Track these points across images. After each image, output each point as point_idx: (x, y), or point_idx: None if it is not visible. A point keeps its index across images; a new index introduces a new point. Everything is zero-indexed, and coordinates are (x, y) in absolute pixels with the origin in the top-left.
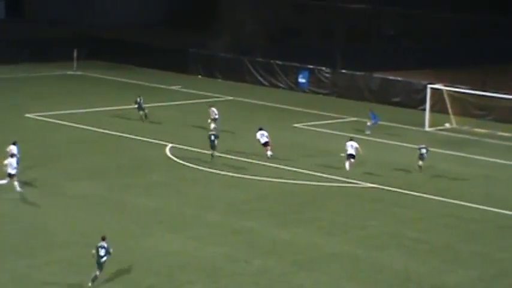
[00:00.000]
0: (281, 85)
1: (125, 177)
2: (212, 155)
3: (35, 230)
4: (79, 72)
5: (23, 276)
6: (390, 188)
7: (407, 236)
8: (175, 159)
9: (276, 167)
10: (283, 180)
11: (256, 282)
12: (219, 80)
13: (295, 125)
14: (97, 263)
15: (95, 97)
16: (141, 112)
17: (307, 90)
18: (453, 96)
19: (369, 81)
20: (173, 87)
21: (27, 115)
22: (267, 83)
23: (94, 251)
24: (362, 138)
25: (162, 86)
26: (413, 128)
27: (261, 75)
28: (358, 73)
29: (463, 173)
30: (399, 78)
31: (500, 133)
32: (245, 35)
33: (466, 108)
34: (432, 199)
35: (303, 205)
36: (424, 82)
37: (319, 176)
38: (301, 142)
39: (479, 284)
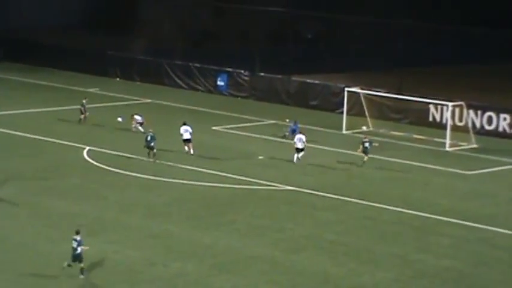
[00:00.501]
0: (200, 88)
1: (41, 180)
2: (152, 155)
3: None
4: None
5: None
6: (308, 191)
7: (325, 238)
8: (93, 162)
9: (196, 170)
10: (202, 183)
11: (175, 286)
12: (137, 83)
13: (214, 127)
14: (73, 256)
15: (10, 100)
16: (81, 115)
17: (226, 93)
18: (370, 99)
19: (287, 84)
20: (91, 90)
21: None
22: (185, 86)
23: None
24: (280, 142)
25: (80, 89)
26: (331, 131)
27: (180, 78)
28: (276, 76)
29: (380, 176)
30: (317, 82)
31: (415, 136)
32: (163, 38)
33: (383, 111)
34: (350, 201)
35: (222, 208)
36: (342, 85)
37: (238, 179)
38: (220, 145)
39: (396, 285)
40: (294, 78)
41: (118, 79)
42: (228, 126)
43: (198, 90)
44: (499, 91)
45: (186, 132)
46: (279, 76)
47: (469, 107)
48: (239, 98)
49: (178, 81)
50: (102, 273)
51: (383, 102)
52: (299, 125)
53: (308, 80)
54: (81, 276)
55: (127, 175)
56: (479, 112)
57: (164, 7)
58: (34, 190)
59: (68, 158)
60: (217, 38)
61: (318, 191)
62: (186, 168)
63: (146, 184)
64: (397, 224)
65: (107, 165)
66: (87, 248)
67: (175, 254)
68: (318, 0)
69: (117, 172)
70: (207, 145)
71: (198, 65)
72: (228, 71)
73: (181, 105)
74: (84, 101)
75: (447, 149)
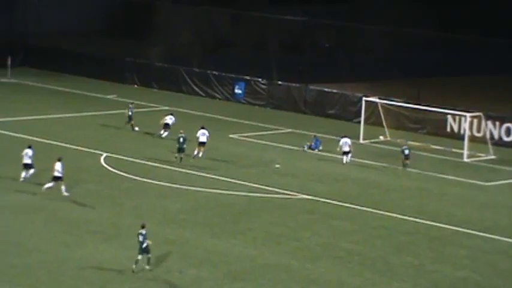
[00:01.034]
0: (217, 95)
1: (58, 186)
2: (180, 157)
3: None
4: (13, 80)
5: None
6: (325, 200)
7: (340, 247)
8: (110, 168)
9: (212, 178)
10: (218, 191)
11: None
12: (155, 90)
13: (231, 135)
14: (140, 249)
15: (29, 105)
16: (131, 121)
17: (243, 101)
18: (388, 109)
19: (304, 93)
20: (109, 97)
21: None
22: (203, 93)
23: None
24: (297, 150)
25: (98, 95)
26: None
27: (197, 86)
28: (294, 85)
29: (397, 186)
30: (335, 91)
31: (433, 146)
32: (181, 45)
33: (400, 121)
34: (366, 211)
35: (238, 216)
36: (359, 95)
37: (255, 187)
38: (237, 153)
39: None
40: (312, 87)
41: (136, 86)
42: (245, 134)
43: (215, 97)
44: None
45: (203, 135)
46: (297, 85)
47: (487, 117)
48: (256, 106)
49: (196, 88)
50: (117, 280)
51: (401, 112)
52: (319, 140)
53: (326, 89)
54: (147, 267)
55: (143, 182)
56: (497, 123)
57: (182, 15)
58: (51, 196)
59: (85, 164)
60: (235, 45)
61: (334, 200)
62: (202, 176)
63: (162, 191)
64: (414, 234)
65: (123, 172)
66: (150, 242)
67: (191, 261)
68: (336, 9)
69: (134, 179)
70: (223, 153)
71: (215, 72)
72: (246, 79)
73: (199, 113)
74: (131, 106)
75: (465, 159)
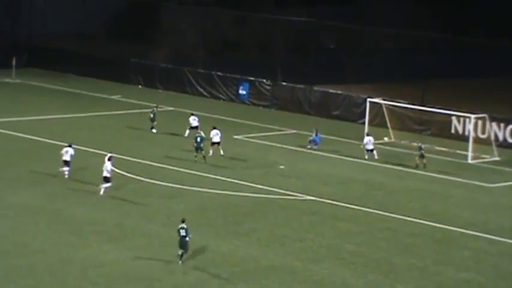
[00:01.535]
0: (221, 96)
1: (63, 186)
2: (204, 157)
3: None
4: (18, 81)
5: None
6: (329, 201)
7: (344, 249)
8: (115, 169)
9: (216, 179)
10: (222, 192)
11: None
12: (160, 91)
13: (236, 136)
14: (180, 243)
15: (34, 105)
16: (154, 123)
17: (248, 102)
18: (392, 110)
19: (308, 94)
20: (113, 97)
21: None
22: (207, 94)
23: (176, 234)
24: (301, 151)
25: (103, 96)
26: (352, 141)
27: (202, 87)
28: (298, 86)
29: (401, 187)
30: (339, 92)
31: (437, 148)
32: (186, 46)
33: (405, 122)
34: (370, 212)
35: (242, 217)
36: (364, 96)
37: (259, 188)
38: (241, 154)
39: None
40: (316, 88)
41: (140, 87)
42: (250, 135)
43: (219, 98)
44: None
45: (216, 135)
46: (301, 86)
47: (492, 119)
48: (260, 107)
49: (200, 89)
50: (121, 280)
51: (405, 113)
52: (320, 135)
53: (330, 90)
54: (180, 263)
55: (148, 182)
56: (502, 125)
57: (187, 16)
58: (56, 196)
59: (90, 164)
60: (239, 47)
61: (338, 201)
62: (206, 177)
63: (167, 192)
64: (418, 236)
65: (128, 173)
66: (191, 236)
67: (195, 262)
68: (341, 10)
69: (138, 179)
70: (228, 154)
71: (220, 73)
72: (250, 80)
73: (203, 114)
74: (155, 109)
75: (469, 161)
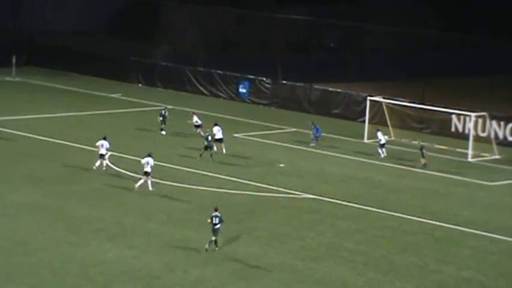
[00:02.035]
0: (222, 95)
1: (63, 185)
2: (211, 155)
3: None
4: (18, 79)
5: None
6: (329, 200)
7: (345, 247)
8: (115, 167)
9: (216, 177)
10: (223, 190)
11: None
12: (160, 89)
13: (236, 135)
14: (212, 230)
15: (34, 104)
16: (162, 125)
17: (248, 101)
18: (392, 108)
19: (308, 92)
20: (113, 95)
21: None
22: (207, 93)
23: (209, 220)
24: (301, 149)
25: (103, 94)
26: (353, 139)
27: (202, 85)
28: (298, 84)
29: (401, 185)
30: (339, 90)
31: (437, 146)
32: (186, 45)
33: (405, 120)
34: (370, 211)
35: (243, 215)
36: (364, 94)
37: (259, 187)
38: (241, 152)
39: None
40: (316, 86)
41: (140, 85)
42: (250, 134)
43: (219, 97)
44: None
45: (218, 132)
46: (301, 84)
47: (492, 117)
48: (261, 106)
49: (200, 87)
50: (121, 279)
51: (405, 111)
52: (318, 127)
53: (330, 89)
54: (215, 248)
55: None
56: (502, 123)
57: (187, 14)
58: (56, 194)
59: (90, 163)
60: (240, 45)
61: (338, 199)
62: (207, 175)
63: (167, 190)
64: (418, 234)
65: (128, 171)
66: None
67: (195, 260)
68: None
69: (138, 178)
70: (228, 152)
71: (220, 72)
72: (250, 78)
73: (203, 112)
74: (163, 111)
75: (469, 159)
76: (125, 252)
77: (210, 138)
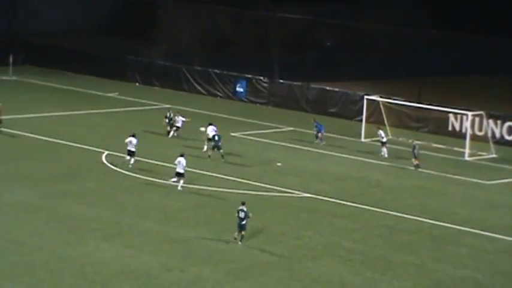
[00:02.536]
0: (219, 94)
1: (60, 184)
2: (220, 155)
3: None
4: (14, 78)
5: None
6: (327, 198)
7: (342, 246)
8: (112, 166)
9: (213, 176)
10: (220, 189)
11: None
12: (157, 88)
13: (233, 134)
14: (238, 225)
15: (30, 103)
16: (168, 128)
17: (245, 100)
18: (389, 107)
19: (306, 91)
20: (110, 94)
21: None
22: (204, 92)
23: (236, 214)
24: (299, 148)
25: (99, 93)
26: (350, 138)
27: (199, 84)
28: (295, 83)
29: (398, 184)
30: (336, 89)
31: (434, 145)
32: (183, 44)
33: (402, 119)
34: (367, 210)
35: None
36: (361, 93)
37: (256, 185)
38: (238, 151)
39: None
40: (313, 85)
41: (137, 84)
42: (247, 133)
43: (217, 96)
44: None
45: (211, 132)
46: (298, 83)
47: (489, 116)
48: (258, 105)
49: (198, 87)
50: (118, 278)
51: (402, 110)
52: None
53: (327, 88)
54: (240, 243)
55: (145, 180)
56: (499, 122)
57: (185, 13)
58: (52, 194)
59: (87, 162)
60: (237, 44)
61: (336, 198)
62: (203, 174)
63: (164, 189)
64: (415, 233)
65: (125, 170)
66: (251, 214)
67: (192, 260)
68: (338, 8)
69: (135, 177)
70: (225, 151)
71: (217, 71)
72: (247, 78)
73: (200, 111)
74: (168, 114)
75: (466, 158)
76: (122, 252)
77: (217, 138)
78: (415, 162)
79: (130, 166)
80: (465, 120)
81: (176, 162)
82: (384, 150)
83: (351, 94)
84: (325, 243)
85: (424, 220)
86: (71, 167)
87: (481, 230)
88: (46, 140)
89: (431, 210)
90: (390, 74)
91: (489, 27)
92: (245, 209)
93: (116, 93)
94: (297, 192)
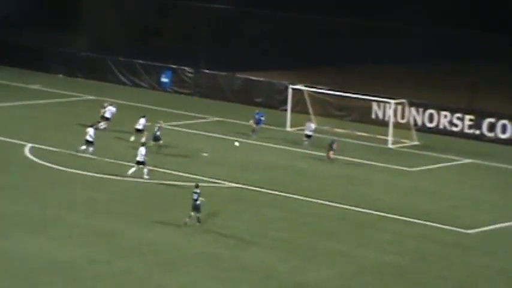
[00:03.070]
0: (144, 85)
1: None
2: (157, 146)
3: None
4: None
5: None
6: (253, 188)
7: (268, 235)
8: (35, 159)
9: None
10: (146, 180)
11: (119, 284)
12: (80, 79)
13: (158, 124)
14: (193, 206)
15: None
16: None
17: (170, 90)
18: (314, 96)
19: (231, 81)
20: (32, 86)
21: None
22: (129, 83)
23: (191, 196)
24: (225, 139)
25: (21, 85)
26: (275, 128)
27: (124, 75)
28: (220, 73)
29: (323, 172)
30: (261, 79)
31: (358, 133)
32: (107, 34)
33: (326, 108)
34: (293, 198)
35: (165, 205)
36: (286, 83)
37: (182, 176)
38: (164, 141)
39: (339, 281)
40: (238, 75)
41: (61, 76)
42: (172, 123)
43: (141, 86)
44: (440, 89)
45: (139, 125)
46: (223, 73)
47: (411, 104)
48: (183, 95)
49: (122, 77)
50: (43, 272)
51: (326, 99)
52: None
53: (252, 77)
54: (198, 224)
55: (69, 172)
56: (420, 110)
57: (108, 3)
58: None
59: (9, 155)
60: (161, 34)
61: (262, 187)
62: (128, 165)
63: (89, 181)
64: (340, 220)
65: (49, 163)
66: (203, 199)
67: (119, 252)
68: None
69: (59, 169)
70: (150, 142)
71: (141, 61)
72: (172, 68)
73: (125, 102)
74: (156, 132)
75: (390, 146)
76: (46, 245)
77: (157, 130)
78: (330, 154)
79: (80, 152)
80: (388, 109)
81: (138, 152)
82: (309, 141)
83: (276, 84)
84: (252, 232)
85: (349, 207)
86: None
87: (404, 216)
88: None
89: (356, 198)
90: (315, 63)
91: (415, 16)
92: (198, 191)
93: (39, 85)
94: (223, 182)
